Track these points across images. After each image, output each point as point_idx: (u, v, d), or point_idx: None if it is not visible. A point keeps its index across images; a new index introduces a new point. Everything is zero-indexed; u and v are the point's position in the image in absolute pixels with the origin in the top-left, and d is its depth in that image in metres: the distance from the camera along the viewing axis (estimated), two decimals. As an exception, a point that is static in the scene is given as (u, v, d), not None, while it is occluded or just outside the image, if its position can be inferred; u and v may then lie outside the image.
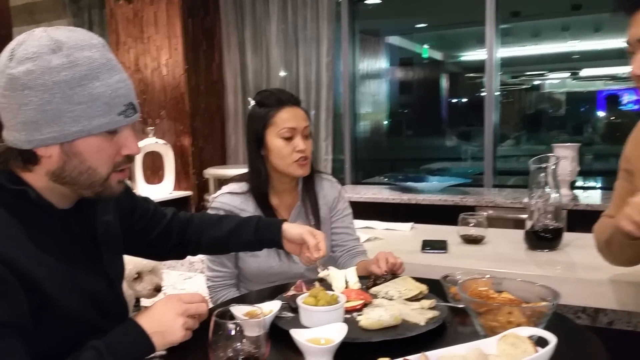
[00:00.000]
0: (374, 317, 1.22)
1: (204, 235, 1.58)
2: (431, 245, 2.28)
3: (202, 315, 1.18)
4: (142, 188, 4.58)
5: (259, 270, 1.87)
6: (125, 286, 1.78)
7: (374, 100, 5.41)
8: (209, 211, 1.91)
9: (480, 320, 1.11)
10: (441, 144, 5.50)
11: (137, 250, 1.53)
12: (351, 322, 1.27)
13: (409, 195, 3.99)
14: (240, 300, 1.70)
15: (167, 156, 4.72)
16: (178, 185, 4.88)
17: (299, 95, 4.67)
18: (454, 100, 6.09)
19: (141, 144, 4.54)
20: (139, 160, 4.57)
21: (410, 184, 4.17)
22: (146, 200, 1.52)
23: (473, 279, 1.30)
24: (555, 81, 5.45)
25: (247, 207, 1.90)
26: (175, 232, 1.55)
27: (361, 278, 1.58)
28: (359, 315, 1.32)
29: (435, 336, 1.22)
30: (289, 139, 1.86)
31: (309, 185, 2.00)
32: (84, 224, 1.20)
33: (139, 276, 1.80)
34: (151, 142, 4.60)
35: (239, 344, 1.03)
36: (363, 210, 4.27)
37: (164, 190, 4.72)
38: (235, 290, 1.93)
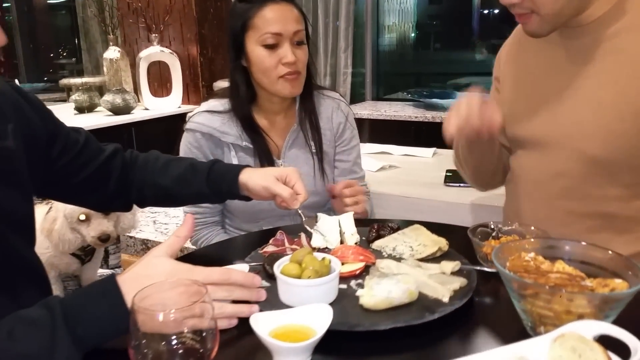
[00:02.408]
0: (380, 294, 0.88)
1: (147, 182, 1.25)
2: (456, 178, 1.89)
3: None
4: (148, 101, 4.29)
5: (245, 206, 1.54)
6: (64, 228, 1.50)
7: (401, 10, 4.93)
8: (185, 134, 1.58)
9: (525, 305, 0.78)
10: (471, 57, 5.08)
11: (61, 194, 1.22)
12: (350, 297, 0.94)
13: (433, 112, 3.66)
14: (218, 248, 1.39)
15: (174, 67, 4.37)
16: (187, 99, 4.56)
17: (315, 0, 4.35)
18: (486, 12, 5.58)
19: (145, 52, 4.22)
20: (143, 71, 4.23)
21: (435, 100, 3.81)
22: (76, 130, 1.18)
23: (514, 238, 0.97)
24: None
25: (229, 130, 1.56)
26: (116, 174, 1.22)
27: (359, 224, 1.24)
28: (358, 283, 0.99)
29: (460, 317, 0.89)
30: (273, 47, 1.47)
31: (307, 104, 1.62)
32: None
33: (86, 218, 1.50)
34: (156, 51, 4.25)
35: (173, 337, 0.72)
36: (381, 129, 3.98)
37: (171, 104, 4.40)
38: (219, 229, 1.63)
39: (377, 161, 2.16)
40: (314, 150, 1.62)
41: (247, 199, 1.26)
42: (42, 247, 1.53)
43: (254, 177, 1.21)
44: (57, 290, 1.64)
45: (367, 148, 2.52)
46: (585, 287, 0.79)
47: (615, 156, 1.14)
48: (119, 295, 0.79)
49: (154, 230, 2.19)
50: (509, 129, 1.36)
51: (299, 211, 1.20)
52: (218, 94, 1.63)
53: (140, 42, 4.56)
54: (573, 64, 1.20)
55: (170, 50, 4.34)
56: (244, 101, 1.55)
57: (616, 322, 0.74)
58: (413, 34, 5.10)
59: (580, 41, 1.19)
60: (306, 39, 1.54)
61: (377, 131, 3.83)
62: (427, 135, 3.62)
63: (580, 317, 0.73)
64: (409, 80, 5.17)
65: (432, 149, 2.43)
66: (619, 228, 1.20)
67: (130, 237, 2.22)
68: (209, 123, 1.55)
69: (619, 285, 0.78)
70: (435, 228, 1.20)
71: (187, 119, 1.60)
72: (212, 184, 1.23)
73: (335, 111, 1.66)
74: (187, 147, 1.57)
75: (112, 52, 4.20)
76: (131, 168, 1.25)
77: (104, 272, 1.91)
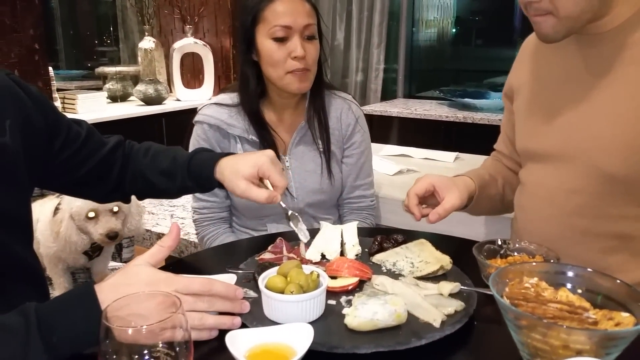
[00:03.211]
0: (365, 315, 0.83)
1: (137, 174, 1.22)
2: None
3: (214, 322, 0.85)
4: (180, 92, 4.31)
5: (248, 203, 1.51)
6: (70, 230, 1.49)
7: (440, 5, 4.83)
8: (194, 127, 1.57)
9: (521, 337, 0.72)
10: (511, 55, 4.93)
11: (64, 186, 1.20)
12: (336, 315, 0.90)
13: (465, 112, 3.55)
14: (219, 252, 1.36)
15: (207, 59, 4.38)
16: (219, 91, 4.54)
17: (350, -8, 4.28)
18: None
19: (178, 43, 4.25)
20: (176, 62, 4.25)
21: (468, 100, 3.70)
22: (78, 122, 1.16)
23: (522, 258, 0.91)
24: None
25: (236, 123, 1.55)
26: (118, 167, 1.20)
27: (364, 234, 1.20)
28: (348, 300, 0.94)
29: (454, 342, 0.84)
30: (282, 40, 1.45)
31: (317, 101, 1.59)
32: None
33: (95, 215, 1.49)
34: (190, 42, 4.26)
35: (146, 351, 0.70)
36: (410, 128, 3.90)
37: (203, 95, 4.41)
38: (226, 227, 1.62)
39: (396, 164, 2.10)
40: (321, 149, 1.59)
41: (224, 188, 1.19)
42: (49, 242, 1.53)
43: (227, 182, 1.12)
44: (65, 282, 1.64)
45: (387, 150, 2.45)
46: (588, 319, 0.73)
47: (635, 173, 1.06)
48: (95, 304, 0.77)
49: (171, 224, 2.18)
50: (520, 142, 1.29)
51: (281, 204, 1.12)
52: (229, 89, 1.61)
53: (175, 33, 4.58)
54: (591, 74, 1.12)
55: (204, 42, 4.35)
56: (253, 95, 1.54)
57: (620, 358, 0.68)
58: (454, 30, 5.00)
59: (598, 50, 1.12)
60: (319, 35, 1.51)
61: (406, 130, 3.77)
62: (458, 135, 3.54)
63: (579, 353, 0.67)
64: (447, 77, 5.06)
65: (455, 154, 2.35)
66: (635, 250, 1.12)
67: (147, 230, 2.22)
68: (216, 115, 1.55)
69: (625, 320, 0.71)
70: (442, 241, 1.15)
71: (197, 111, 1.59)
72: (193, 178, 1.18)
73: (346, 112, 1.63)
74: (195, 139, 1.58)
75: (147, 42, 4.22)
76: (128, 160, 1.23)
77: (117, 265, 1.90)
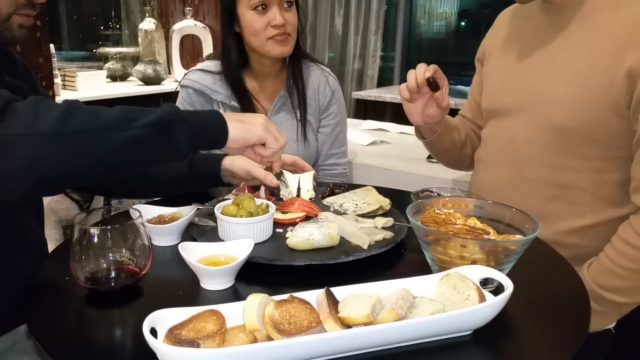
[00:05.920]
0: (302, 235, 0.96)
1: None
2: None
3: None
4: (179, 73, 4.39)
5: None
6: None
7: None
8: (180, 91, 1.67)
9: (429, 252, 0.84)
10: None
11: None
12: (281, 239, 1.03)
13: (455, 99, 3.62)
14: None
15: (206, 41, 4.46)
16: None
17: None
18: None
19: (178, 25, 4.32)
20: (175, 43, 4.34)
21: (460, 87, 3.79)
22: None
23: (455, 195, 1.02)
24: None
25: (220, 89, 1.65)
26: None
27: (322, 186, 1.33)
28: (292, 229, 1.06)
29: (379, 264, 0.96)
30: (262, 10, 1.55)
31: (296, 69, 1.69)
32: None
33: None
34: (189, 24, 4.35)
35: (111, 254, 0.83)
36: (399, 113, 3.95)
37: (202, 77, 4.49)
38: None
39: (371, 136, 2.22)
40: (298, 117, 1.69)
41: (222, 184, 1.33)
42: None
43: (236, 162, 1.27)
44: (56, 235, 1.76)
45: (366, 125, 2.58)
46: (488, 240, 0.85)
47: (579, 126, 1.19)
48: (221, 115, 0.94)
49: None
50: (485, 101, 1.43)
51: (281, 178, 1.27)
52: (212, 56, 1.71)
53: (176, 14, 4.66)
54: (553, 37, 1.26)
55: (204, 24, 4.42)
56: (234, 65, 1.64)
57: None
58: (460, 23, 5.04)
59: (562, 16, 1.25)
60: (296, 4, 1.61)
61: (394, 115, 3.86)
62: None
63: (474, 263, 0.79)
64: (449, 69, 5.09)
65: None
66: (573, 199, 1.24)
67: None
68: (201, 80, 1.65)
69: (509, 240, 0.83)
70: (389, 191, 1.29)
71: (183, 76, 1.69)
72: (194, 166, 1.29)
73: (323, 85, 1.72)
74: (180, 103, 1.68)
75: (148, 24, 4.30)
76: None
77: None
